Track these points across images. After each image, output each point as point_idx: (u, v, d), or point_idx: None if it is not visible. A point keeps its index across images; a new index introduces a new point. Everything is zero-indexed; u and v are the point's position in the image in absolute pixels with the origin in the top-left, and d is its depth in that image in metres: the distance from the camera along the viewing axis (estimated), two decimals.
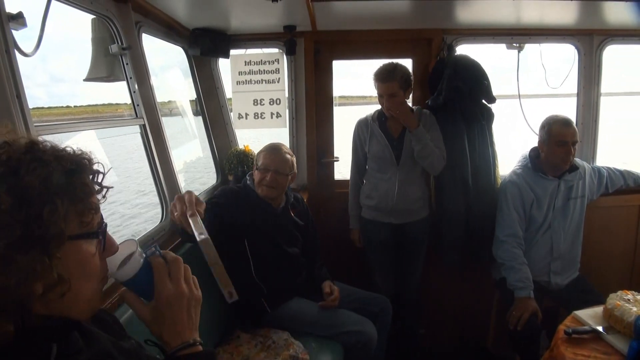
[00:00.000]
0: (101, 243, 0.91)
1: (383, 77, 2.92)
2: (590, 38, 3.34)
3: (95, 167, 0.91)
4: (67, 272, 0.82)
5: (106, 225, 0.93)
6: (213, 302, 2.49)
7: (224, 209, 2.51)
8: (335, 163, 3.80)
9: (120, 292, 0.99)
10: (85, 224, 0.86)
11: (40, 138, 0.87)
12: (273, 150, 2.71)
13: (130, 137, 2.66)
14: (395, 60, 3.00)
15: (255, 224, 2.58)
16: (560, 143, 2.78)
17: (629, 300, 2.07)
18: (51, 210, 0.78)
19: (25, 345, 0.81)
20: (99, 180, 0.92)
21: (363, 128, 3.14)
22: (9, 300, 0.76)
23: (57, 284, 0.80)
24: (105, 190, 0.93)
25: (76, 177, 0.85)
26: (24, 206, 0.76)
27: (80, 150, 0.89)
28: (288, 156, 2.71)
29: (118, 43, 2.34)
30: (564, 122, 2.81)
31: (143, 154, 2.61)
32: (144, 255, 1.02)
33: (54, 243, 0.79)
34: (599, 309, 2.16)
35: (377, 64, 3.00)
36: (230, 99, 3.60)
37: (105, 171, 0.93)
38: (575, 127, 2.80)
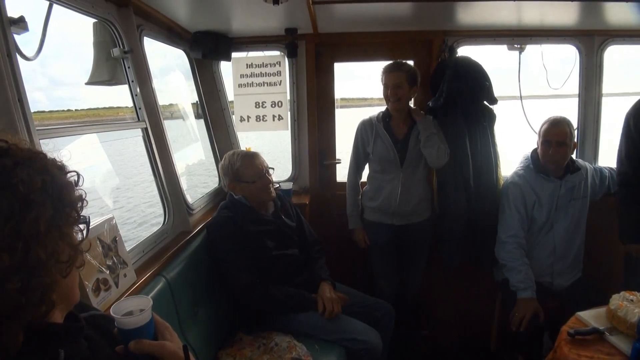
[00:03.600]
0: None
1: (390, 67, 2.96)
2: (591, 38, 3.34)
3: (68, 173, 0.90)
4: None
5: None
6: (215, 304, 2.49)
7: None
8: (337, 165, 3.80)
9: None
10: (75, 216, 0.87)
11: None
12: (254, 155, 2.78)
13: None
14: None
15: (251, 234, 2.58)
16: (544, 142, 2.80)
17: (632, 300, 2.06)
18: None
19: (31, 348, 0.81)
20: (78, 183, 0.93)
21: (367, 128, 3.13)
22: (28, 314, 0.78)
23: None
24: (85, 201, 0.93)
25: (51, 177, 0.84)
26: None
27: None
28: None
29: (120, 46, 2.35)
30: (552, 122, 2.81)
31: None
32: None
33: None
34: (602, 310, 2.15)
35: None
36: (231, 102, 3.61)
37: (80, 180, 0.93)
38: (566, 128, 2.77)
